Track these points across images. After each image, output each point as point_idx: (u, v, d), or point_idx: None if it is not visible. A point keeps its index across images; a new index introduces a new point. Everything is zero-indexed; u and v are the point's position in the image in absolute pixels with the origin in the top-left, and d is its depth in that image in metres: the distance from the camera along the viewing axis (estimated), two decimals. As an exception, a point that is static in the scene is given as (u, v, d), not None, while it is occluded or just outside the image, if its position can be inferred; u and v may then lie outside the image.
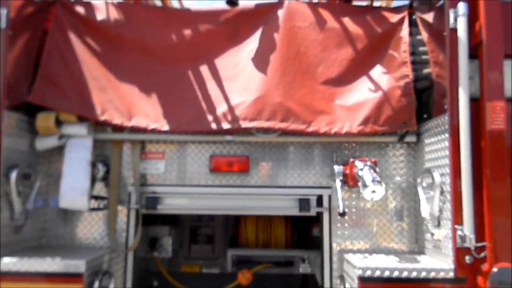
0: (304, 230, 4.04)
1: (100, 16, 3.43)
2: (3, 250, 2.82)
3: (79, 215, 3.38)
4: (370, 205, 3.36)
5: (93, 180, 3.19)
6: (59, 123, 3.20)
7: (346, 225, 3.35)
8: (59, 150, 3.38)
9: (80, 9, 3.42)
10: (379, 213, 3.36)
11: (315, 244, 3.87)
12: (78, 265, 2.74)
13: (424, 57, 3.33)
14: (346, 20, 3.45)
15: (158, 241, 3.82)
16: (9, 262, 2.77)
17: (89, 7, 3.43)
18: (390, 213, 3.36)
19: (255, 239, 3.93)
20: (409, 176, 3.38)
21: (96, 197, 3.29)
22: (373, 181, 2.82)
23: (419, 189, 3.09)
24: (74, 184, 3.06)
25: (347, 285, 2.90)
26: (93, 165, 3.21)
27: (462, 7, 2.76)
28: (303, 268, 3.72)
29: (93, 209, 3.24)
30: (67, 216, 3.38)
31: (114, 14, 3.44)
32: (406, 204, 3.36)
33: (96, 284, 2.88)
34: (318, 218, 3.49)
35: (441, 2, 3.13)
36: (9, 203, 2.94)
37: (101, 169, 3.29)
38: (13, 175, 2.92)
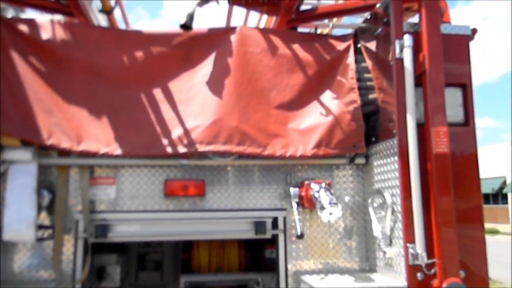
0: (257, 252, 4.04)
1: (45, 35, 3.26)
2: None
3: (19, 247, 3.12)
4: (322, 226, 3.45)
5: (39, 208, 2.98)
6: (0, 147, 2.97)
7: (301, 246, 3.41)
8: (-2, 177, 3.14)
9: (23, 28, 3.23)
10: (331, 233, 3.46)
11: (268, 266, 3.89)
12: (25, 303, 2.53)
13: (369, 83, 3.53)
14: (296, 46, 3.58)
15: (106, 270, 3.62)
16: None
17: (34, 25, 3.25)
18: (341, 233, 3.47)
19: (207, 264, 3.86)
20: (359, 196, 3.53)
21: (41, 226, 3.07)
22: (330, 203, 2.92)
23: (370, 209, 3.23)
24: (20, 214, 2.84)
25: (307, 307, 2.94)
26: (38, 192, 3.00)
27: (407, 39, 2.98)
28: (257, 292, 3.71)
29: (38, 240, 3.01)
30: (6, 248, 3.11)
31: (61, 34, 3.29)
32: (357, 223, 3.50)
33: (45, 322, 2.67)
34: (271, 240, 3.52)
35: (379, 30, 3.36)
36: None
37: (46, 196, 3.09)
38: None
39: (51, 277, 3.11)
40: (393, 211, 3.00)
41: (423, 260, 2.77)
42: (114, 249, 3.82)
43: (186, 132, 3.18)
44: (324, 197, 2.98)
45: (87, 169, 3.23)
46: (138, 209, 3.27)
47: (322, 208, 2.93)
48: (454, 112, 3.10)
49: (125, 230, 3.24)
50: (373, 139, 3.41)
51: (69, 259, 3.15)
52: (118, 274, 3.66)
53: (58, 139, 3.07)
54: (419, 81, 3.01)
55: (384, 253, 3.09)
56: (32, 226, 2.85)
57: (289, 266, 3.35)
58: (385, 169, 3.16)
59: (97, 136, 3.16)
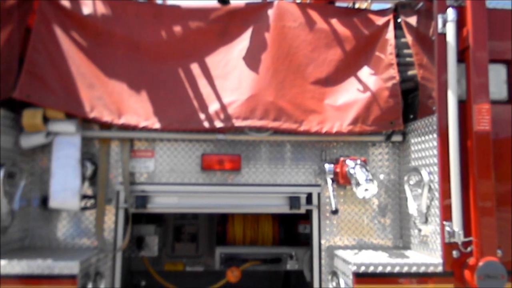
0: (291, 227, 4.10)
1: (86, 10, 3.33)
2: (-13, 252, 2.71)
3: (63, 215, 3.28)
4: (356, 203, 3.45)
5: (82, 179, 3.10)
6: (45, 120, 3.09)
7: (334, 222, 3.43)
8: (42, 148, 3.28)
9: (65, 3, 3.31)
10: (365, 210, 3.46)
11: (301, 241, 3.94)
12: (71, 266, 2.67)
13: (408, 59, 3.45)
14: (334, 21, 3.52)
15: (144, 240, 3.76)
16: (-3, 265, 2.66)
17: (75, 1, 3.32)
18: (375, 210, 3.47)
19: (242, 237, 3.94)
20: (394, 174, 3.50)
21: (84, 196, 3.20)
22: (366, 179, 2.91)
23: (406, 187, 3.20)
24: (65, 184, 2.97)
25: (340, 280, 2.97)
26: (82, 163, 3.12)
27: (451, 13, 2.88)
28: (291, 265, 3.77)
29: (82, 209, 3.15)
30: (51, 216, 3.28)
31: (101, 9, 3.35)
32: (391, 201, 3.48)
33: (90, 285, 2.82)
34: (304, 215, 3.56)
35: (420, 5, 3.26)
36: (-6, 203, 2.82)
37: (89, 168, 3.21)
38: (1, 174, 2.80)
39: (93, 245, 3.26)
40: (430, 189, 2.97)
41: (459, 238, 2.75)
42: (152, 220, 3.96)
43: (223, 107, 3.22)
44: (359, 173, 2.97)
45: (127, 142, 3.33)
46: (175, 182, 3.36)
47: (358, 184, 2.93)
48: (497, 89, 3.01)
49: (163, 202, 3.34)
50: (411, 116, 3.35)
51: (111, 228, 3.28)
52: (156, 244, 3.79)
53: (100, 112, 3.16)
54: (461, 57, 2.93)
55: (419, 230, 3.08)
56: (77, 195, 2.99)
57: (322, 241, 3.38)
58: (422, 146, 3.12)
59: (137, 110, 3.24)
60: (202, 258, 4.21)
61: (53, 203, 2.99)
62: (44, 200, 3.24)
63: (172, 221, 4.25)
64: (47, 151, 3.25)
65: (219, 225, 4.13)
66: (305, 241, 3.88)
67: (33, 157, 3.29)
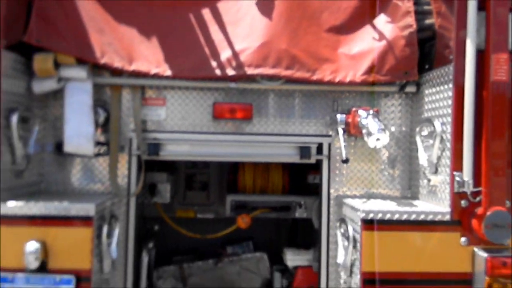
0: (300, 177, 4.14)
1: (96, -47, 3.23)
2: (5, 194, 2.78)
3: (77, 161, 3.34)
4: (366, 154, 3.46)
5: (95, 125, 3.13)
6: (56, 65, 3.08)
7: (344, 172, 3.45)
8: (55, 94, 3.29)
9: None
10: (375, 161, 3.47)
11: (310, 191, 4.00)
12: (87, 208, 2.75)
13: (426, 7, 3.34)
14: (350, -34, 3.39)
15: (157, 187, 3.84)
16: (15, 206, 2.74)
17: None
18: (385, 162, 3.48)
19: (252, 186, 4.01)
20: (405, 125, 3.48)
21: (97, 143, 3.24)
22: (378, 129, 2.90)
23: (417, 138, 3.19)
24: (79, 129, 3.01)
25: (349, 227, 3.03)
26: (94, 110, 3.14)
27: (472, -41, 2.75)
28: (299, 213, 3.85)
29: (95, 155, 3.21)
30: (65, 162, 3.34)
31: (111, -48, 3.24)
32: (401, 152, 3.48)
33: (105, 228, 2.91)
34: (314, 165, 3.59)
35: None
36: (10, 147, 2.87)
37: (101, 115, 3.23)
38: (14, 119, 2.84)
39: (107, 190, 3.33)
40: (441, 140, 2.96)
41: (469, 187, 2.76)
42: (164, 168, 4.02)
43: (235, 55, 3.18)
44: (372, 123, 2.96)
45: (138, 89, 3.32)
46: (187, 130, 3.38)
47: (369, 134, 2.92)
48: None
49: (175, 150, 3.37)
50: (427, 66, 3.29)
51: (124, 175, 3.34)
52: (168, 191, 3.87)
53: (111, 58, 3.14)
54: (482, 5, 2.82)
55: (429, 181, 3.09)
56: (91, 140, 3.02)
57: (331, 191, 3.42)
58: (437, 97, 3.08)
59: (148, 57, 3.21)
60: (213, 206, 4.30)
61: (67, 148, 3.04)
62: (58, 146, 3.29)
63: (184, 170, 4.32)
64: (59, 97, 3.26)
65: (229, 174, 4.19)
66: (314, 191, 3.94)
67: (45, 103, 3.31)
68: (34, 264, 2.67)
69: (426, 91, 3.24)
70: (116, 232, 3.07)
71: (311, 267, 3.69)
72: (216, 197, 4.30)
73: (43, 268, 2.71)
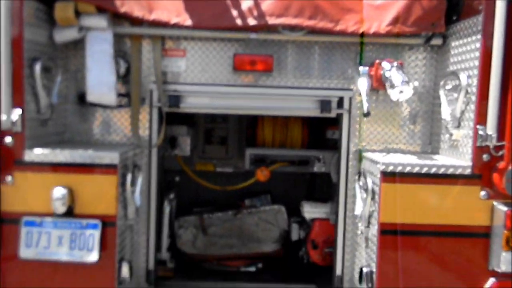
0: (319, 132, 4.14)
1: None
2: (30, 142, 2.85)
3: (99, 112, 3.37)
4: (388, 108, 3.42)
5: (117, 75, 3.14)
6: (77, 14, 3.06)
7: (364, 126, 3.43)
8: (75, 45, 3.30)
9: None
10: (397, 115, 3.44)
11: (329, 146, 4.00)
12: (112, 156, 2.80)
13: (455, -45, 3.20)
14: None
15: (177, 140, 3.88)
16: (41, 153, 2.81)
17: None
18: (406, 116, 3.44)
19: (271, 140, 4.03)
20: (429, 80, 3.42)
21: (119, 94, 3.26)
22: (402, 81, 2.85)
23: (441, 92, 3.14)
24: (101, 79, 3.02)
25: (368, 180, 3.05)
26: (115, 60, 3.14)
27: None
28: (318, 167, 3.88)
29: (118, 106, 3.24)
30: (87, 113, 3.38)
31: None
32: (424, 107, 3.44)
33: (129, 176, 2.98)
34: (333, 121, 3.57)
35: None
36: (34, 96, 2.91)
37: (122, 65, 3.24)
38: (37, 67, 2.86)
39: (128, 142, 3.38)
40: (466, 93, 2.90)
41: (492, 141, 2.73)
42: (184, 122, 4.06)
43: (256, 4, 3.11)
44: (395, 75, 2.91)
45: (158, 39, 3.29)
46: (207, 82, 3.37)
47: (393, 86, 2.88)
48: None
49: (195, 102, 3.38)
50: (454, 17, 3.18)
51: (145, 126, 3.38)
52: (188, 144, 3.92)
53: (131, 7, 3.10)
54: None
55: (451, 135, 3.06)
56: (113, 90, 3.04)
57: (351, 145, 3.42)
58: (463, 49, 2.99)
59: (167, 6, 3.16)
60: (232, 160, 4.35)
61: (90, 97, 3.07)
62: (80, 97, 3.33)
63: (203, 124, 4.34)
64: (80, 48, 3.27)
65: (249, 128, 4.20)
66: (333, 146, 3.94)
67: (67, 54, 3.33)
68: (61, 209, 2.78)
69: (453, 44, 3.15)
70: (139, 181, 3.15)
71: (328, 220, 3.75)
72: (234, 151, 4.34)
73: (70, 213, 2.81)
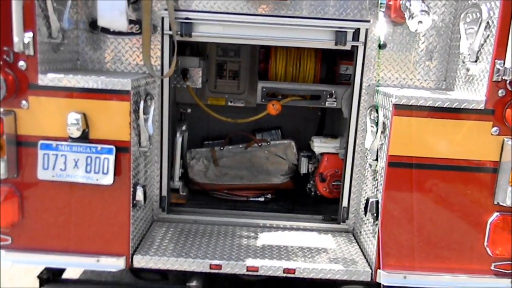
0: (332, 67, 4.09)
1: None
2: (43, 67, 2.86)
3: (111, 40, 3.35)
4: (404, 43, 3.34)
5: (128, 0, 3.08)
6: None
7: (379, 60, 3.36)
8: (86, -31, 3.22)
9: None
10: (413, 49, 3.36)
11: (342, 82, 3.97)
12: (124, 83, 2.81)
13: None
14: None
15: (189, 72, 3.86)
16: (54, 78, 2.83)
17: None
18: (422, 51, 3.37)
19: (284, 74, 3.99)
20: (448, 14, 3.30)
21: (130, 21, 3.21)
22: (421, 10, 2.76)
23: (461, 25, 3.05)
24: (112, 2, 2.96)
25: (380, 113, 3.04)
26: (126, -16, 3.07)
27: None
28: (329, 102, 3.86)
29: (129, 33, 3.20)
30: (99, 40, 3.35)
31: None
32: (441, 42, 3.35)
33: (142, 104, 3.01)
34: (347, 55, 3.50)
35: None
36: (45, 20, 2.88)
37: (133, -10, 3.16)
38: (47, -10, 2.81)
39: (142, 70, 3.37)
40: (487, 26, 2.81)
41: (510, 75, 2.68)
42: (196, 54, 4.02)
43: None
44: (415, 4, 2.81)
45: (169, -36, 3.19)
46: (220, 10, 3.29)
47: (412, 16, 2.80)
48: None
49: (207, 31, 3.32)
50: None
51: (157, 55, 3.36)
52: (200, 76, 3.89)
53: None
54: None
55: (467, 70, 3.00)
56: (124, 14, 2.98)
57: (364, 79, 3.38)
58: (487, -21, 2.86)
59: None
60: (243, 95, 4.34)
61: (101, 21, 3.02)
62: (91, 23, 3.30)
63: (215, 58, 4.29)
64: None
65: (261, 62, 4.16)
66: (345, 82, 3.91)
67: (77, -22, 3.25)
68: (76, 133, 2.83)
69: (476, -26, 3.01)
70: (152, 109, 3.18)
71: (337, 154, 3.80)
72: (246, 86, 4.32)
73: (85, 137, 2.87)
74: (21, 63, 2.80)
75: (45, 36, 2.89)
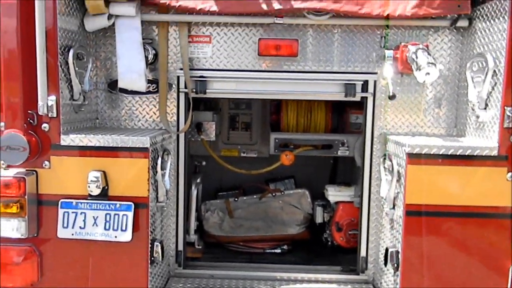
0: (342, 116, 4.17)
1: None
2: (65, 127, 2.96)
3: (128, 99, 3.47)
4: (412, 91, 3.43)
5: (146, 62, 3.22)
6: (106, 2, 3.14)
7: (388, 109, 3.45)
8: (104, 34, 3.39)
9: None
10: (421, 98, 3.44)
11: (353, 130, 4.03)
12: (143, 141, 2.90)
13: None
14: None
15: (203, 126, 3.96)
16: (76, 138, 2.92)
17: None
18: (431, 100, 3.45)
19: (295, 125, 4.07)
20: (455, 62, 3.41)
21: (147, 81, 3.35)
22: (428, 63, 2.86)
23: (468, 74, 3.13)
24: (131, 65, 3.11)
25: (394, 162, 3.08)
26: (143, 47, 3.22)
27: None
28: (342, 151, 3.91)
29: (146, 92, 3.33)
30: (117, 100, 3.48)
31: None
32: (449, 90, 3.43)
33: (159, 159, 3.08)
34: (357, 105, 3.59)
35: None
36: (67, 83, 3.02)
37: (150, 52, 3.32)
38: (71, 55, 2.96)
39: (157, 128, 3.47)
40: (494, 74, 2.89)
41: (519, 122, 2.73)
42: (209, 108, 4.14)
43: (281, -11, 3.14)
44: (422, 57, 2.92)
45: (185, 26, 3.36)
46: (233, 68, 3.43)
47: (419, 68, 2.89)
48: None
49: (221, 87, 3.45)
50: (481, -1, 3.16)
51: (173, 112, 3.46)
52: (214, 130, 3.99)
53: None
54: None
55: (477, 117, 3.06)
56: (143, 76, 3.13)
57: (375, 128, 3.45)
58: (491, 31, 2.97)
59: None
60: (256, 146, 4.42)
61: (121, 83, 3.16)
62: (110, 84, 3.44)
63: (227, 111, 4.41)
64: (109, 36, 3.37)
65: (273, 114, 4.26)
66: (356, 130, 3.97)
67: (96, 42, 3.42)
68: (96, 191, 2.89)
69: (479, 25, 3.13)
70: (169, 164, 3.25)
71: (352, 203, 3.80)
72: (258, 136, 4.41)
73: (104, 195, 2.92)
74: (44, 125, 2.91)
75: (67, 99, 3.01)
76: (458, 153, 2.84)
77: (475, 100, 3.05)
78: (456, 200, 2.89)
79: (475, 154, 2.83)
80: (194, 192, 3.81)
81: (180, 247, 3.56)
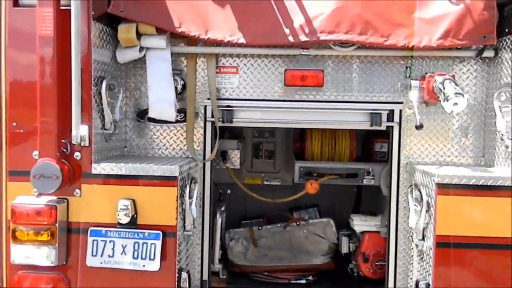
0: (367, 145, 4.17)
1: None
2: (96, 156, 3.02)
3: (156, 128, 3.53)
4: (439, 121, 3.43)
5: (175, 92, 3.30)
6: (138, 35, 3.25)
7: (414, 139, 3.44)
8: (134, 65, 3.50)
9: None
10: (447, 128, 3.43)
11: (377, 159, 4.02)
12: (172, 169, 2.94)
13: (506, -32, 3.20)
14: None
15: (228, 154, 4.00)
16: (107, 166, 2.98)
17: None
18: (457, 129, 3.43)
19: (320, 153, 4.08)
20: (481, 92, 3.40)
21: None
22: (455, 93, 2.87)
23: (495, 104, 3.12)
24: (161, 96, 3.19)
25: (422, 192, 3.05)
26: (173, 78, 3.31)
27: None
28: (367, 180, 3.89)
29: (176, 121, 3.40)
30: (145, 129, 3.55)
31: None
32: (476, 120, 3.42)
33: (187, 188, 3.11)
34: (381, 134, 3.59)
35: None
36: (99, 113, 3.10)
37: (179, 83, 3.40)
38: (103, 86, 3.05)
39: (183, 156, 3.52)
40: (522, 104, 2.89)
41: (551, 152, 2.70)
42: (233, 137, 4.19)
43: (308, 21, 3.21)
44: (449, 87, 2.93)
45: (213, 57, 3.44)
46: (259, 98, 3.48)
47: (447, 98, 2.90)
48: None
49: (247, 117, 3.50)
50: (506, 30, 3.17)
51: (200, 141, 3.51)
52: (238, 158, 4.03)
53: (188, 27, 3.26)
54: None
55: (507, 147, 3.03)
56: (173, 106, 3.20)
57: (401, 157, 3.43)
58: (517, 61, 2.99)
59: (221, 25, 3.30)
60: (279, 174, 4.43)
61: (152, 113, 3.23)
62: (139, 113, 3.52)
63: (251, 139, 4.46)
64: (139, 67, 3.47)
65: (297, 142, 4.28)
66: (381, 159, 3.96)
67: (126, 73, 3.53)
68: (125, 219, 2.92)
69: (506, 56, 3.14)
70: (195, 192, 3.27)
71: (378, 232, 3.75)
72: (281, 164, 4.42)
73: (133, 223, 2.95)
74: (77, 154, 2.98)
75: (99, 128, 3.09)
76: (488, 184, 2.80)
77: (503, 130, 3.03)
78: (487, 231, 2.84)
79: (506, 184, 2.79)
80: (219, 221, 3.82)
81: (205, 277, 3.54)
